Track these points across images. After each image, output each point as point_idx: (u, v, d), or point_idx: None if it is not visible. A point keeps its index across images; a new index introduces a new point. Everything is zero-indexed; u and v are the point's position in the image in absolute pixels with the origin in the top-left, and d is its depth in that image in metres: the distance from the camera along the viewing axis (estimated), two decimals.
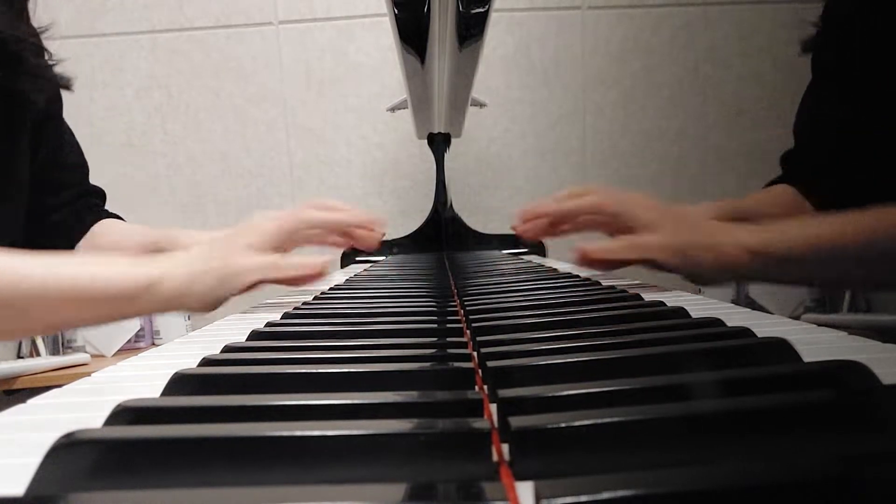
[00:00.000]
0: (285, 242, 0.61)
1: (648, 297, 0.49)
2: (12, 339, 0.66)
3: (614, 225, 0.58)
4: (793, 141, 0.83)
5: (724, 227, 0.56)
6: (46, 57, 0.73)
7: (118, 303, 0.52)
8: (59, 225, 0.78)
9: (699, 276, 0.57)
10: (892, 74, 0.64)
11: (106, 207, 0.86)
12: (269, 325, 0.44)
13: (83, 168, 0.83)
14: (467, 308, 0.47)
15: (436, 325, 0.42)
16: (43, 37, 0.73)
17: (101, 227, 0.80)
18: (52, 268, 0.50)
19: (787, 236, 0.54)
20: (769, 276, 0.56)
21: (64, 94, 0.78)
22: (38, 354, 1.43)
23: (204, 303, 0.55)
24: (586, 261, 0.56)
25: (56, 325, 0.57)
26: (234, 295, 0.57)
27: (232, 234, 0.59)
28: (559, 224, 0.66)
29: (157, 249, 0.78)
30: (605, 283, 0.62)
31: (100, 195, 0.86)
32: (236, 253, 0.56)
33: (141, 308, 0.53)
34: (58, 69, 0.74)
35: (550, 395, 0.23)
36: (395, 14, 0.80)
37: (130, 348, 1.50)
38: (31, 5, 0.73)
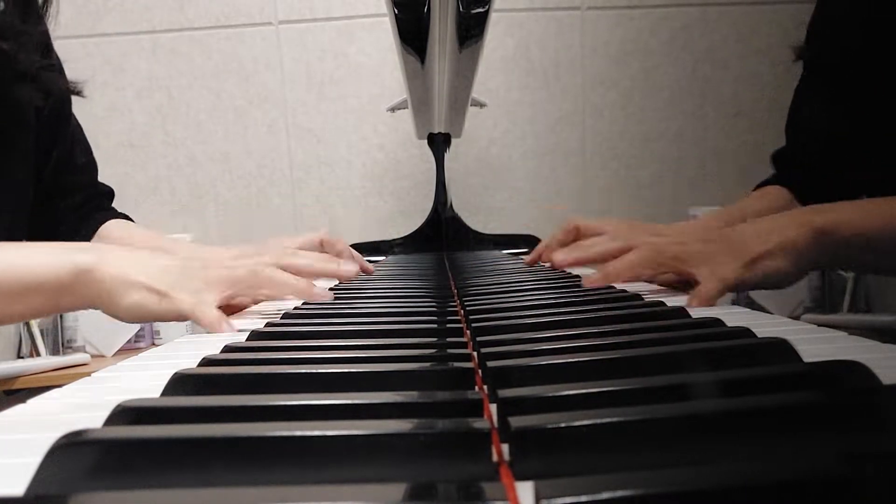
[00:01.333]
0: (245, 293, 0.58)
1: (648, 297, 0.49)
2: None
3: (678, 268, 0.54)
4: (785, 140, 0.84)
5: (782, 217, 0.53)
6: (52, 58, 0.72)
7: (47, 293, 0.48)
8: (69, 227, 0.78)
9: (780, 283, 0.53)
10: (883, 72, 0.64)
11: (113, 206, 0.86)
12: (269, 325, 0.44)
13: (93, 167, 0.83)
14: (467, 308, 0.47)
15: (436, 325, 0.42)
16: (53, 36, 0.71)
17: (109, 228, 0.81)
18: None
19: (853, 215, 0.51)
20: (836, 260, 0.53)
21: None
22: (38, 354, 1.43)
23: (130, 317, 0.50)
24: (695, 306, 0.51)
25: None
26: (161, 319, 0.52)
27: (205, 261, 0.54)
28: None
29: None
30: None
31: (108, 195, 0.86)
32: (183, 285, 0.51)
33: (75, 300, 0.49)
34: (70, 76, 0.73)
35: (550, 395, 0.23)
36: (395, 14, 0.80)
37: (130, 348, 1.49)
38: (52, 7, 0.71)
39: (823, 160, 0.76)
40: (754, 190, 0.84)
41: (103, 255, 0.50)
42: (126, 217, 0.84)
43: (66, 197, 0.78)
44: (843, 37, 0.70)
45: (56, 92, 0.72)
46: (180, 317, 0.51)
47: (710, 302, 0.50)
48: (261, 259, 0.54)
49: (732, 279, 0.51)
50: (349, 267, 0.59)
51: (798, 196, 0.77)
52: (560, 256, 0.59)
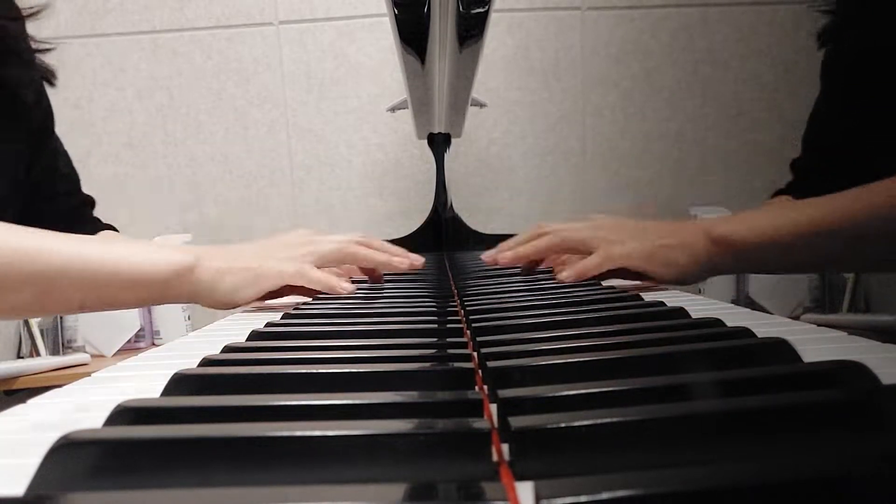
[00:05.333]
0: (329, 265, 0.63)
1: (648, 297, 0.49)
2: (34, 317, 0.69)
3: (584, 249, 0.62)
4: (799, 147, 0.83)
5: (687, 224, 0.60)
6: (32, 44, 0.71)
7: (148, 287, 0.53)
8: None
9: (678, 276, 0.59)
10: None
11: (103, 210, 0.86)
12: (269, 325, 0.44)
13: (76, 177, 0.84)
14: (467, 308, 0.47)
15: (436, 326, 0.42)
16: (32, 20, 0.70)
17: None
18: (79, 248, 0.51)
19: (750, 224, 0.56)
20: (738, 265, 0.58)
21: (64, 94, 0.78)
22: (38, 354, 1.43)
23: (231, 299, 0.57)
24: (571, 281, 0.61)
25: (83, 305, 0.56)
26: (258, 297, 0.58)
27: (285, 241, 0.61)
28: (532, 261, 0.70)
29: None
30: (604, 283, 0.62)
31: (91, 204, 0.86)
32: (275, 257, 0.58)
33: (172, 295, 0.54)
34: (69, 76, 0.73)
35: (550, 395, 0.23)
36: (395, 14, 0.80)
37: (130, 348, 1.49)
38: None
39: (843, 174, 0.75)
40: (772, 197, 0.84)
41: (200, 255, 0.55)
42: (112, 227, 0.85)
43: (52, 201, 0.78)
44: (866, 39, 0.69)
45: (45, 95, 0.73)
46: (281, 280, 0.57)
47: (583, 272, 0.59)
48: (343, 237, 0.62)
49: (617, 256, 0.59)
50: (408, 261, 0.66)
51: None
52: (491, 254, 0.68)
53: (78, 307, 0.54)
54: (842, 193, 0.54)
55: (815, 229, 0.53)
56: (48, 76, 0.74)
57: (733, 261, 0.56)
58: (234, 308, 0.59)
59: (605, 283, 0.61)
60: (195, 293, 0.55)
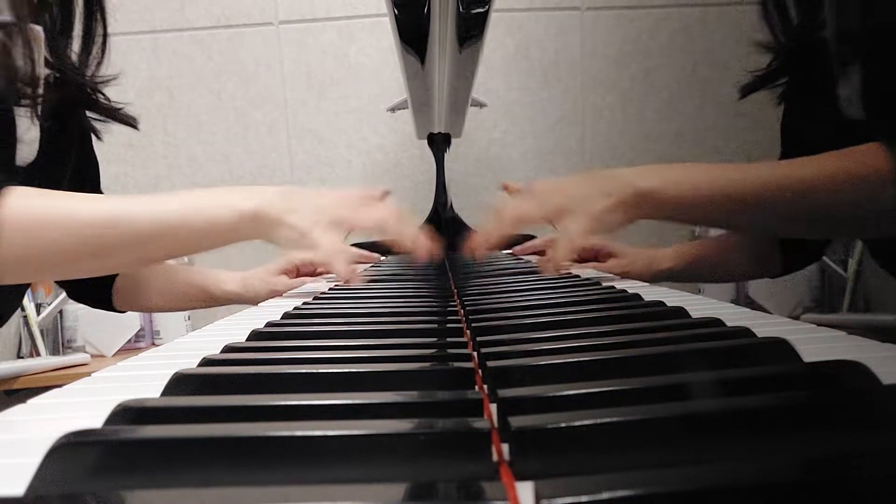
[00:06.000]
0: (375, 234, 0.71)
1: (648, 297, 0.49)
2: (129, 269, 0.89)
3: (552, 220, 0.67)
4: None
5: (617, 176, 0.64)
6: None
7: (221, 232, 0.62)
8: None
9: (615, 229, 0.64)
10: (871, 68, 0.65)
11: None
12: (269, 325, 0.44)
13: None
14: (467, 308, 0.47)
15: (436, 325, 0.42)
16: (104, 87, 0.86)
17: None
18: (161, 204, 0.61)
19: (675, 179, 0.62)
20: (659, 215, 0.64)
21: None
22: (38, 354, 1.43)
23: (279, 248, 0.65)
24: (553, 274, 0.68)
25: (169, 254, 0.70)
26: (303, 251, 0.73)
27: (339, 200, 0.68)
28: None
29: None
30: (605, 283, 0.62)
31: None
32: (322, 223, 0.64)
33: (240, 236, 0.63)
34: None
35: (550, 395, 0.23)
36: (396, 15, 0.80)
37: (130, 348, 1.49)
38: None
39: None
40: None
41: (261, 202, 0.62)
42: None
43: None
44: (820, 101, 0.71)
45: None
46: (313, 256, 0.75)
47: (557, 266, 0.66)
48: (385, 213, 0.69)
49: (575, 245, 0.65)
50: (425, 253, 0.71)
51: None
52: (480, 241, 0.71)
53: (164, 257, 0.71)
54: (763, 164, 0.63)
55: (728, 192, 0.60)
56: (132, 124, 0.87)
57: (655, 212, 0.63)
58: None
59: (605, 283, 0.61)
60: (254, 234, 0.64)
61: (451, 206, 1.39)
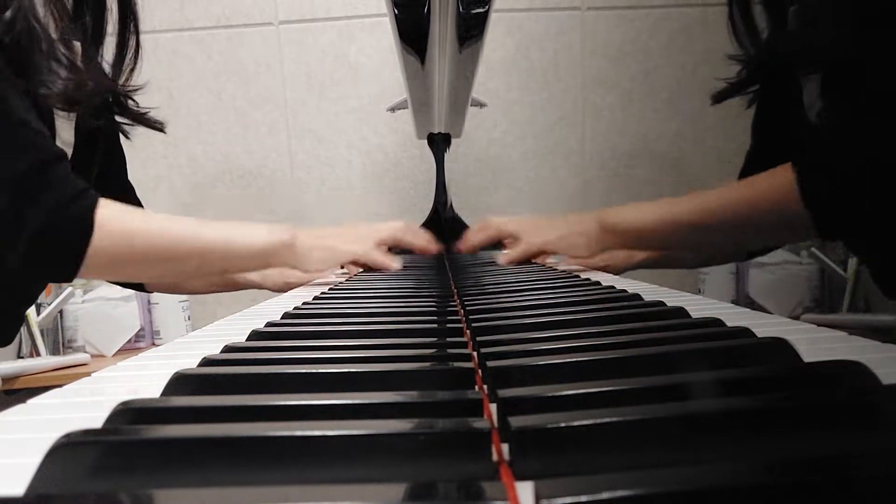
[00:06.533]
0: (386, 245, 0.85)
1: (648, 297, 0.49)
2: (172, 292, 1.08)
3: (513, 238, 0.87)
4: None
5: (587, 216, 0.78)
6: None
7: (257, 258, 0.74)
8: None
9: (581, 254, 0.80)
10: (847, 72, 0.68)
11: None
12: (269, 325, 0.44)
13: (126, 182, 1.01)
14: (467, 308, 0.47)
15: (436, 325, 0.42)
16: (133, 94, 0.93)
17: None
18: (204, 227, 0.72)
19: (635, 215, 0.75)
20: (625, 245, 0.80)
21: None
22: (38, 354, 1.43)
23: (316, 267, 0.78)
24: (506, 264, 0.84)
25: (206, 273, 0.86)
26: (335, 266, 0.83)
27: (356, 230, 0.82)
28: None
29: None
30: (605, 283, 0.62)
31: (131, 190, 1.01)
32: (348, 239, 0.80)
33: (275, 262, 0.75)
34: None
35: (550, 395, 0.23)
36: (395, 14, 0.80)
37: (130, 348, 1.49)
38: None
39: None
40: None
41: (296, 234, 0.75)
42: None
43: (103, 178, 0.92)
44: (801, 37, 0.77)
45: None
46: (354, 257, 0.81)
47: (514, 257, 0.84)
48: (395, 225, 0.85)
49: (537, 244, 0.83)
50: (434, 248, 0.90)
51: None
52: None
53: (219, 272, 0.84)
54: (703, 193, 0.75)
55: (682, 221, 0.72)
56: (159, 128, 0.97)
57: (620, 243, 0.78)
58: (316, 274, 0.88)
59: (605, 283, 0.61)
60: (292, 262, 0.75)
61: (451, 205, 1.39)
